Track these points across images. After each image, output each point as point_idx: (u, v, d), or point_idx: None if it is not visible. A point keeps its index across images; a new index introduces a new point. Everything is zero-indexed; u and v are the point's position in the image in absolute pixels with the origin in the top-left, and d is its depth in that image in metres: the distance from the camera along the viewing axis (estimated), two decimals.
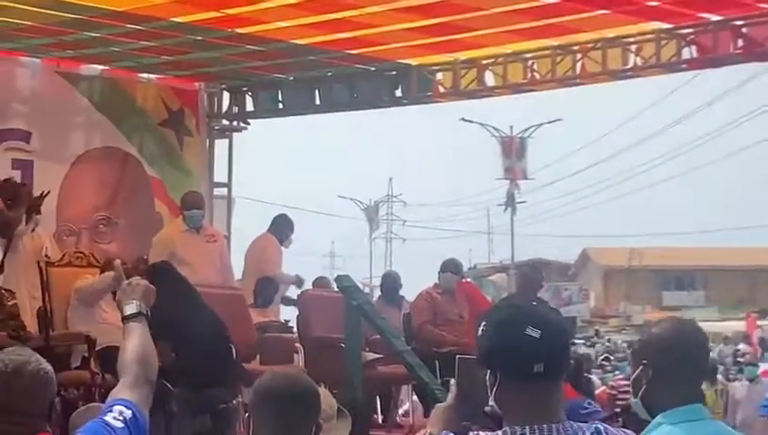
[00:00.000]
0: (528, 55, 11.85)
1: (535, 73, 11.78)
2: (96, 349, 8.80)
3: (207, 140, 13.89)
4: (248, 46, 11.94)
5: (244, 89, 13.76)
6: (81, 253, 9.78)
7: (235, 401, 9.07)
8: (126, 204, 13.03)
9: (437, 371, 9.54)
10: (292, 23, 11.10)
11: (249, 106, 13.82)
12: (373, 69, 12.70)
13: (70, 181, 12.61)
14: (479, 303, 8.94)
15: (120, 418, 3.53)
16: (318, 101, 13.17)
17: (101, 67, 13.03)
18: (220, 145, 14.08)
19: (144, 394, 3.65)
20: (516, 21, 11.06)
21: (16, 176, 12.16)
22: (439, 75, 12.52)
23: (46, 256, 10.06)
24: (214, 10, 10.81)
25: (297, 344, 9.95)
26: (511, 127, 41.33)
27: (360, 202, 58.47)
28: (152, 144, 13.33)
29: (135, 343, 3.74)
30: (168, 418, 7.84)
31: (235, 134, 14.13)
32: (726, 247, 52.99)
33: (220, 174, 14.10)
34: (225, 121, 14.09)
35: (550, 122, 41.44)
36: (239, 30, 11.39)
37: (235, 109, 13.90)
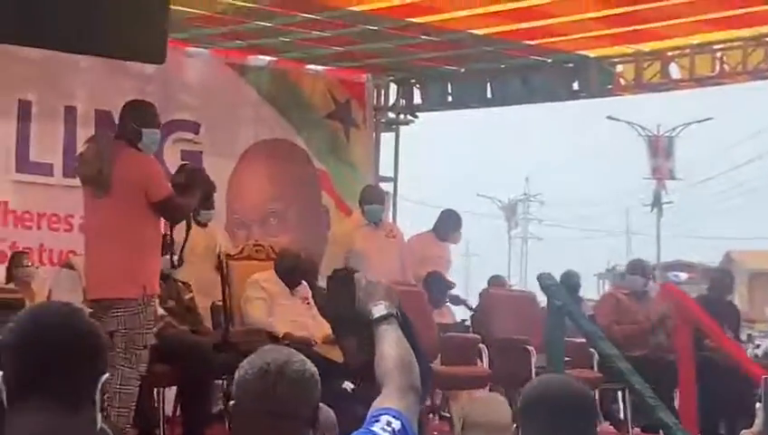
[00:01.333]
0: (717, 47, 11.29)
1: (725, 66, 11.20)
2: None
3: (374, 134, 13.60)
4: (423, 37, 11.60)
5: (412, 81, 13.43)
6: (260, 245, 9.51)
7: (423, 404, 8.74)
8: (294, 197, 12.82)
9: None
10: (471, 12, 10.72)
11: (417, 99, 13.49)
12: (549, 61, 12.26)
13: (239, 174, 12.43)
14: (688, 306, 8.48)
15: (389, 429, 3.21)
16: (489, 95, 12.77)
17: (269, 58, 12.82)
18: (386, 138, 13.77)
19: (411, 403, 3.34)
20: (706, 10, 10.53)
21: None
22: (619, 68, 12.03)
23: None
24: None
25: (480, 345, 9.57)
26: (658, 126, 40.43)
27: (499, 201, 57.96)
28: (319, 136, 13.08)
29: (393, 348, 3.47)
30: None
31: (401, 128, 13.81)
32: None
33: (384, 168, 13.78)
34: (391, 114, 13.78)
35: (699, 122, 40.45)
36: (414, 19, 11.06)
37: (403, 101, 13.59)
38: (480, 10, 10.70)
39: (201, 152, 12.26)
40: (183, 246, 8.21)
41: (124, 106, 7.74)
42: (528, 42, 11.69)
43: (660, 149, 40.27)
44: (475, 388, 9.50)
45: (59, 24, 5.33)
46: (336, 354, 8.56)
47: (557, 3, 10.40)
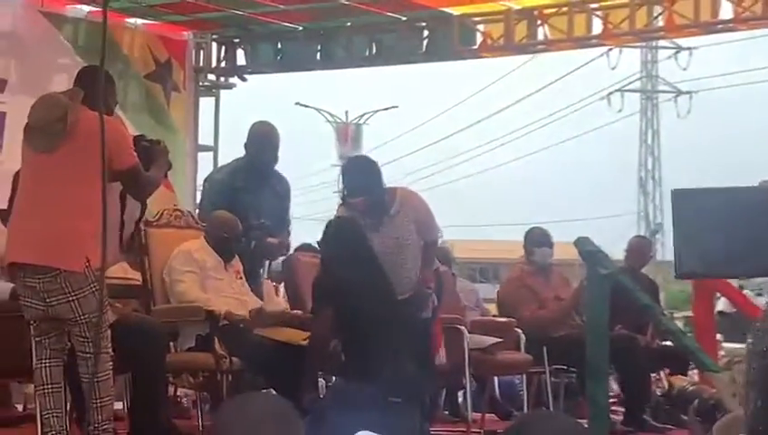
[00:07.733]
0: (594, 5, 10.67)
1: (609, 24, 10.58)
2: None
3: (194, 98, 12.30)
4: None
5: (236, 40, 12.20)
6: (180, 210, 8.17)
7: None
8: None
9: None
10: None
11: (240, 60, 12.28)
12: (404, 19, 11.35)
13: None
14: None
15: None
16: (339, 55, 11.70)
17: (88, 8, 11.29)
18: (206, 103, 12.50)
19: None
20: None
21: None
22: (480, 27, 11.23)
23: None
24: None
25: None
26: (346, 112, 40.02)
27: None
28: (137, 98, 11.69)
29: None
30: None
31: (222, 92, 12.54)
32: None
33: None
34: (211, 77, 12.49)
35: (385, 109, 40.32)
36: None
37: (224, 63, 12.35)
38: None
39: (5, 114, 10.65)
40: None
41: (88, 69, 6.96)
42: None
43: (348, 137, 39.90)
44: None
45: None
46: (284, 336, 7.46)
47: None
